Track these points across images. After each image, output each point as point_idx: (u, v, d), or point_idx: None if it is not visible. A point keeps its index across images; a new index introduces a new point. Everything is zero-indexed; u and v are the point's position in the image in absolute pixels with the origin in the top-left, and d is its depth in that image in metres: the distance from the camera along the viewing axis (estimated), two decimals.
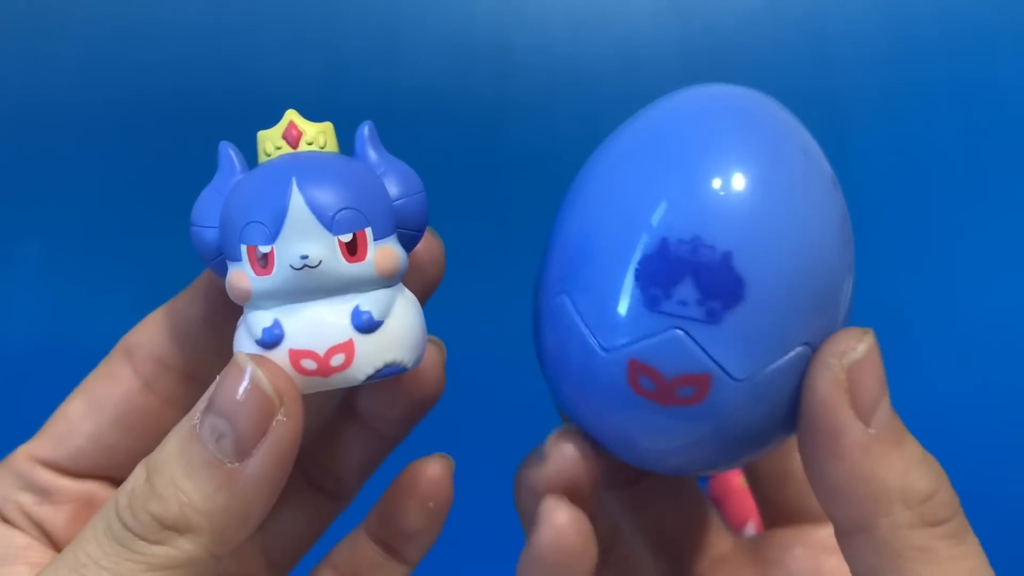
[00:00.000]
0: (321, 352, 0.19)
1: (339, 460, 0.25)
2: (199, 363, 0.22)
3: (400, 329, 0.20)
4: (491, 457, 0.28)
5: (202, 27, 0.54)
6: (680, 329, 0.19)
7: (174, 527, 0.18)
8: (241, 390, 0.18)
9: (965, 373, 0.54)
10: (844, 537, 0.19)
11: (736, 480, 0.43)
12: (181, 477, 0.18)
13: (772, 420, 0.20)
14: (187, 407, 0.23)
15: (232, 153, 0.20)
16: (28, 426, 0.23)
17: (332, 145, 0.20)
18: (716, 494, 0.45)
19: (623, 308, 0.19)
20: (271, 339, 0.19)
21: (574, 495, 0.21)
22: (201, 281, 0.22)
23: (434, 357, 0.23)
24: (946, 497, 0.18)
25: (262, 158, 0.20)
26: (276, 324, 0.19)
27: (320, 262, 0.18)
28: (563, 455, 0.21)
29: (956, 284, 0.55)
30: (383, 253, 0.19)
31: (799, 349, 0.19)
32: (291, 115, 0.19)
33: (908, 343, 0.54)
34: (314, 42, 0.54)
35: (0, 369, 0.52)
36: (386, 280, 0.19)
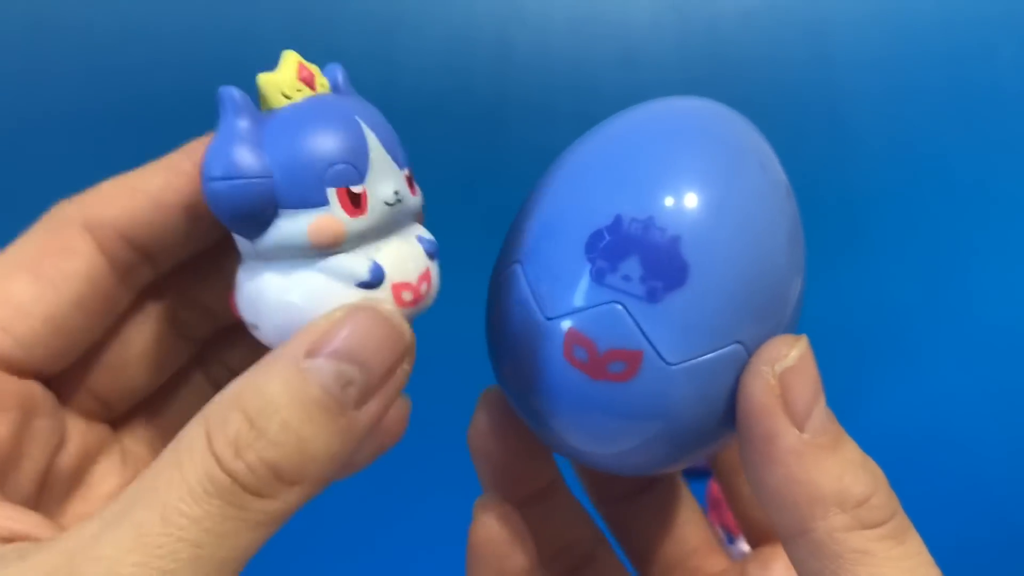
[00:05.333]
0: (414, 281, 0.19)
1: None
2: (165, 249, 0.20)
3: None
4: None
5: (201, 28, 0.54)
6: (619, 304, 0.19)
7: (290, 479, 0.16)
8: (379, 333, 0.17)
9: (965, 373, 0.54)
10: (786, 542, 0.19)
11: None
12: (301, 423, 0.16)
13: (708, 415, 0.20)
14: (139, 291, 0.21)
15: (238, 97, 0.18)
16: None
17: (327, 87, 0.19)
18: (717, 495, 0.45)
19: (570, 278, 0.20)
20: (379, 277, 0.18)
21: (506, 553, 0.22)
22: (178, 162, 0.20)
23: (402, 410, 0.22)
24: (883, 499, 0.18)
25: (279, 101, 0.18)
26: (375, 264, 0.18)
27: (404, 196, 0.19)
28: (483, 534, 0.22)
29: (957, 283, 0.55)
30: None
31: (733, 346, 0.20)
32: (296, 57, 0.19)
33: (908, 343, 0.54)
34: (314, 42, 0.54)
35: None
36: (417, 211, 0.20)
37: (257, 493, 0.16)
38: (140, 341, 0.22)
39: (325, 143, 0.18)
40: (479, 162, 0.54)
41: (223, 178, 0.17)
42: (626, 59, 0.55)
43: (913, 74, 0.57)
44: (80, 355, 0.20)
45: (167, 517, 0.15)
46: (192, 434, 0.16)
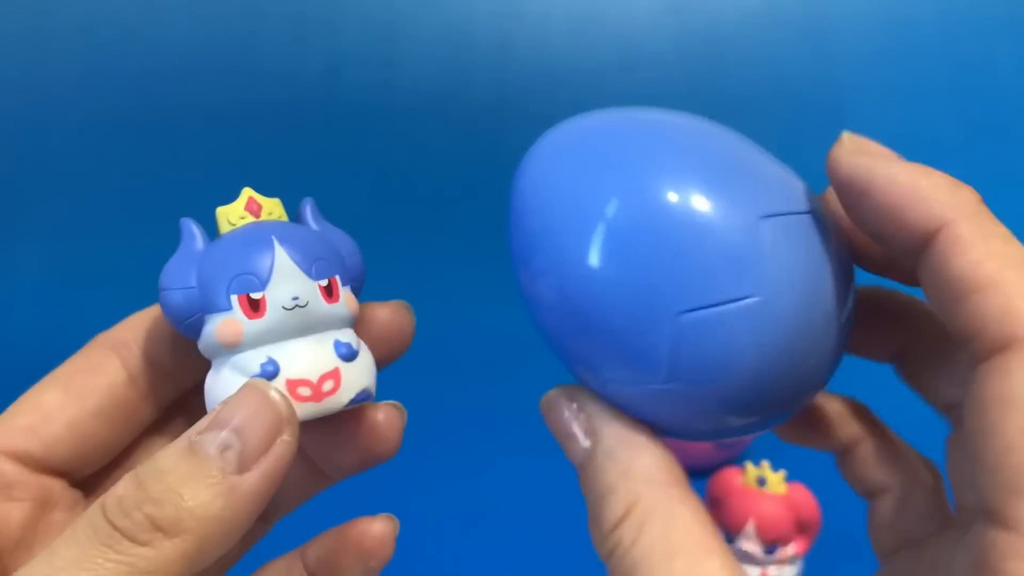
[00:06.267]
0: (314, 379, 0.21)
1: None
2: (182, 367, 0.23)
3: (367, 361, 0.22)
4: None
5: (202, 30, 0.54)
6: None
7: (166, 528, 0.18)
8: (255, 406, 0.19)
9: None
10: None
11: (736, 480, 0.43)
12: (179, 484, 0.18)
13: None
14: (163, 406, 0.24)
15: (195, 227, 0.22)
16: None
17: (283, 216, 0.23)
18: (716, 494, 0.45)
19: None
20: (270, 372, 0.21)
21: None
22: None
23: (395, 420, 0.24)
24: None
25: (225, 228, 0.22)
26: (270, 360, 0.21)
27: (308, 302, 0.21)
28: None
29: None
30: (349, 296, 0.22)
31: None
32: (249, 192, 0.22)
33: None
34: (314, 43, 0.54)
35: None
36: (350, 319, 0.22)
37: (134, 539, 0.18)
38: None
39: (232, 258, 0.21)
40: (479, 162, 0.54)
41: (165, 288, 0.21)
42: (626, 59, 0.55)
43: (913, 74, 0.57)
44: (106, 461, 0.23)
45: (51, 561, 0.18)
46: (95, 501, 0.19)
